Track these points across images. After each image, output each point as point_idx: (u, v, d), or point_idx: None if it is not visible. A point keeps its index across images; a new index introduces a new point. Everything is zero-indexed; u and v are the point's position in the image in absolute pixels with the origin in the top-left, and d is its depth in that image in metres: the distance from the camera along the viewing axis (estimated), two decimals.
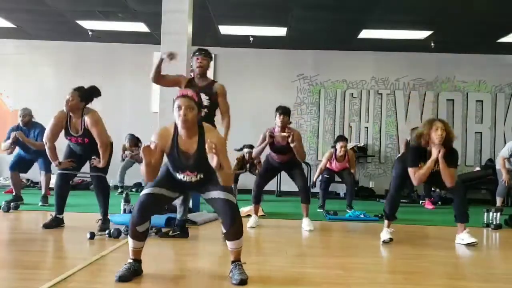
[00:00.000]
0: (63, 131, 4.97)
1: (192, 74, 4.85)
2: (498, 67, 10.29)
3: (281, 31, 9.07)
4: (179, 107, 3.10)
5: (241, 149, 8.71)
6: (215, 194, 3.18)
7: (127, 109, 10.03)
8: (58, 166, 4.98)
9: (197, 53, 4.81)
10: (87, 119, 4.84)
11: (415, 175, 4.67)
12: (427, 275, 3.60)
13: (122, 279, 3.06)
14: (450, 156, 4.68)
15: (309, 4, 7.58)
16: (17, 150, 7.05)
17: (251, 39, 9.37)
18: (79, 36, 9.75)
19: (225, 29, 9.08)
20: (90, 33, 9.43)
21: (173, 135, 3.19)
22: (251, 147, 8.29)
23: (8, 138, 6.94)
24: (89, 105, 4.99)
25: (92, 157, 4.93)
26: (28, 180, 9.36)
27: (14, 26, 9.31)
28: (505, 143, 10.09)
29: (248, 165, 8.66)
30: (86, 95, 4.94)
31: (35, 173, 7.53)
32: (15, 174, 7.05)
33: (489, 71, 10.32)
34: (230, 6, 7.79)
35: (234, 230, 3.16)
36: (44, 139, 5.00)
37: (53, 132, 4.94)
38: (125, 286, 3.02)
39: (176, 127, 3.19)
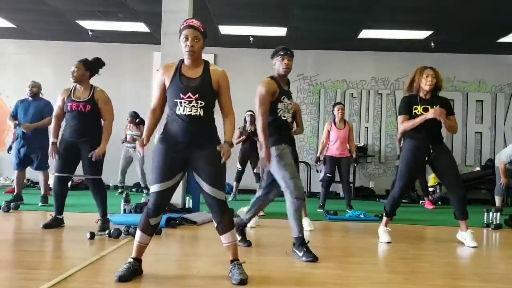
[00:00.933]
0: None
1: (278, 73, 4.27)
2: (498, 67, 10.29)
3: (281, 31, 9.07)
4: (186, 38, 3.12)
5: (244, 124, 8.74)
6: (205, 186, 3.17)
7: (127, 109, 10.02)
8: (53, 145, 4.96)
9: (282, 53, 4.28)
10: (99, 93, 4.98)
11: (403, 123, 4.71)
12: (427, 275, 3.60)
13: (122, 279, 3.06)
14: (445, 104, 4.76)
15: (309, 4, 7.58)
16: (15, 149, 7.02)
17: (251, 39, 9.38)
18: (79, 36, 9.75)
19: (225, 29, 9.08)
20: (90, 33, 9.43)
21: (177, 66, 3.22)
22: (252, 111, 8.40)
23: (15, 109, 6.97)
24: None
25: (89, 154, 4.86)
26: (28, 180, 9.36)
27: (14, 26, 9.32)
28: (505, 143, 10.12)
29: (249, 130, 8.65)
30: (91, 65, 5.03)
31: (35, 173, 7.52)
32: (21, 173, 7.03)
33: (489, 71, 10.32)
34: (230, 6, 7.79)
35: (224, 222, 3.21)
36: (53, 114, 5.09)
37: (61, 108, 5.00)
38: (125, 286, 3.02)
39: (180, 61, 3.23)
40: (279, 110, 4.10)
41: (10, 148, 7.26)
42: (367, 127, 10.54)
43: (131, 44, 10.29)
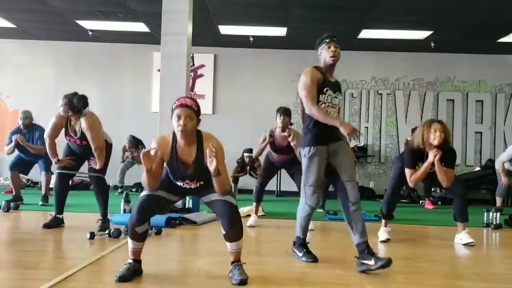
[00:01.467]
0: (63, 130, 5.00)
1: (324, 64, 3.78)
2: (498, 67, 10.29)
3: (281, 31, 9.06)
4: (179, 117, 3.07)
5: (242, 156, 8.72)
6: (215, 196, 3.18)
7: (127, 109, 10.03)
8: (57, 163, 4.99)
9: (327, 40, 3.82)
10: (83, 124, 4.88)
11: (411, 177, 4.70)
12: (427, 275, 3.60)
13: (122, 279, 3.06)
14: (449, 157, 4.69)
15: (309, 4, 7.58)
16: (18, 152, 7.06)
17: (251, 39, 9.37)
18: (79, 36, 9.74)
19: (225, 29, 9.08)
20: (90, 33, 9.42)
21: (172, 144, 3.17)
22: (250, 151, 8.32)
23: (10, 141, 6.99)
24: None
25: (90, 158, 4.95)
26: (28, 180, 9.36)
27: (14, 26, 9.31)
28: (505, 142, 10.12)
29: (248, 168, 8.67)
30: (75, 109, 4.87)
31: (35, 173, 7.53)
32: (14, 174, 7.06)
33: (489, 71, 10.32)
34: (230, 6, 7.79)
35: (234, 232, 3.16)
36: (45, 135, 5.03)
37: (54, 130, 4.97)
38: (125, 286, 3.02)
39: (174, 136, 3.17)
40: (320, 103, 3.62)
41: (10, 142, 7.22)
42: (367, 127, 10.54)
43: (131, 44, 10.29)
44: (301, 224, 3.93)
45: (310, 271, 3.62)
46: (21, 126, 6.97)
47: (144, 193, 3.22)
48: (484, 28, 8.48)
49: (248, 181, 9.10)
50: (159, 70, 6.77)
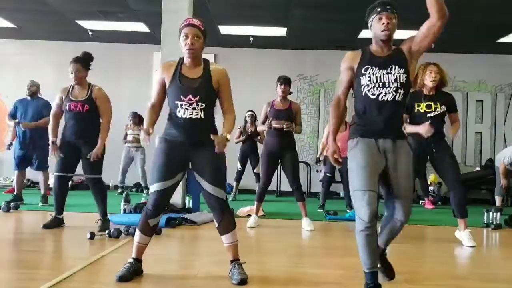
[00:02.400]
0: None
1: (375, 39, 3.21)
2: (498, 67, 10.29)
3: (281, 31, 9.06)
4: (186, 36, 3.10)
5: (244, 119, 8.77)
6: (206, 185, 3.17)
7: (126, 109, 10.02)
8: (52, 146, 4.93)
9: (379, 9, 3.18)
10: (97, 92, 4.95)
11: (405, 124, 4.71)
12: (427, 275, 3.60)
13: (122, 279, 3.06)
14: (448, 101, 4.84)
15: (309, 4, 7.58)
16: (14, 148, 7.03)
17: (251, 39, 9.37)
18: (79, 36, 9.74)
19: (225, 29, 9.08)
20: (90, 33, 9.42)
21: (177, 65, 3.20)
22: (252, 112, 8.42)
23: (14, 110, 6.97)
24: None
25: (87, 156, 4.86)
26: (28, 180, 9.35)
27: (14, 26, 9.32)
28: (505, 143, 10.11)
29: (249, 131, 8.66)
30: (86, 62, 5.03)
31: (35, 173, 7.52)
32: (21, 173, 7.03)
33: (489, 71, 10.32)
34: (230, 6, 7.79)
35: (225, 223, 3.21)
36: (52, 112, 5.07)
37: (58, 106, 5.01)
38: (125, 286, 3.02)
39: (180, 60, 3.21)
40: (362, 87, 2.93)
41: (10, 145, 7.24)
42: None
43: (131, 44, 10.29)
44: (361, 250, 2.81)
45: (310, 271, 3.62)
46: (27, 93, 6.96)
47: (154, 189, 3.17)
48: (484, 28, 8.48)
49: (248, 181, 9.10)
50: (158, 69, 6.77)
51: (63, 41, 10.27)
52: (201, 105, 3.13)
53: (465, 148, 10.37)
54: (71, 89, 5.01)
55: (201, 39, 3.13)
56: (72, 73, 4.93)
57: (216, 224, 3.24)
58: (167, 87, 3.19)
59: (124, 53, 10.42)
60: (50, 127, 5.04)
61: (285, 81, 5.56)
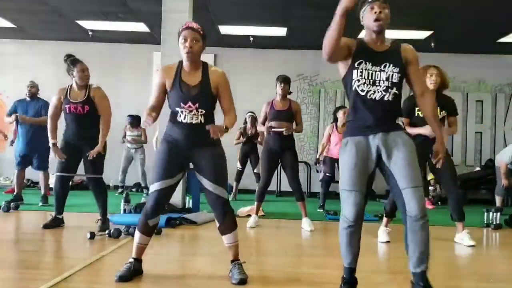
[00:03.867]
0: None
1: (368, 31, 3.00)
2: (498, 67, 10.28)
3: (281, 31, 9.06)
4: (185, 39, 3.11)
5: (244, 121, 8.74)
6: (207, 184, 3.17)
7: (126, 109, 10.02)
8: (53, 147, 4.93)
9: (370, 0, 2.94)
10: (95, 91, 4.97)
11: (406, 127, 4.72)
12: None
13: (122, 279, 3.07)
14: (449, 105, 4.82)
15: (309, 4, 7.58)
16: (15, 147, 7.03)
17: (251, 39, 9.37)
18: (79, 36, 9.75)
19: (225, 29, 9.08)
20: (90, 33, 9.42)
21: (177, 69, 3.20)
22: (253, 113, 8.42)
23: (14, 109, 6.96)
24: None
25: (87, 154, 4.87)
26: (28, 180, 9.35)
27: (14, 26, 9.32)
28: (505, 143, 10.11)
29: (250, 132, 8.66)
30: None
31: (35, 173, 7.52)
32: (21, 173, 7.03)
33: (489, 71, 10.31)
34: (230, 6, 7.79)
35: (226, 223, 3.21)
36: (48, 115, 5.05)
37: (55, 107, 4.99)
38: (125, 286, 3.02)
39: (179, 63, 3.21)
40: (353, 82, 2.85)
41: (12, 143, 7.23)
42: None
43: (131, 44, 10.29)
44: (342, 246, 2.86)
45: (310, 271, 3.63)
46: (27, 94, 6.97)
47: (154, 188, 3.18)
48: (484, 28, 8.48)
49: (248, 181, 9.11)
50: (158, 71, 6.78)
51: (63, 41, 10.27)
52: (201, 111, 3.16)
53: (465, 148, 10.37)
54: (69, 90, 5.00)
55: (199, 42, 3.14)
56: (79, 72, 4.98)
57: (217, 224, 3.24)
58: (168, 91, 3.20)
59: (124, 53, 10.41)
60: (49, 129, 5.02)
61: (285, 80, 5.57)
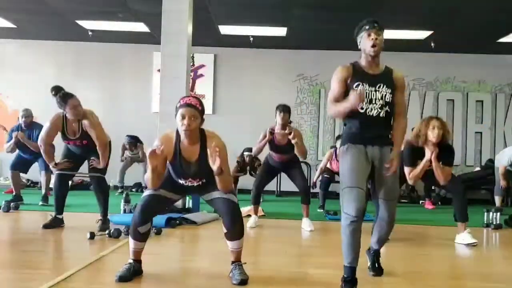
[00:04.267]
0: (59, 135, 4.98)
1: (365, 55, 3.24)
2: (498, 67, 10.27)
3: (281, 31, 9.06)
4: (183, 117, 3.07)
5: (241, 154, 8.74)
6: (216, 194, 3.19)
7: (127, 109, 10.03)
8: (55, 167, 4.97)
9: (367, 27, 3.17)
10: (85, 122, 4.85)
11: (410, 174, 4.69)
12: (427, 275, 3.60)
13: (122, 279, 3.07)
14: (447, 155, 4.72)
15: (309, 4, 7.57)
16: (18, 150, 7.07)
17: (251, 39, 9.36)
18: (79, 36, 9.74)
19: (225, 29, 9.07)
20: (90, 33, 9.42)
21: (175, 142, 3.18)
22: (250, 150, 8.35)
23: (10, 138, 6.98)
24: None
25: (91, 158, 4.94)
26: (28, 180, 9.35)
27: (14, 26, 9.31)
28: (505, 143, 10.10)
29: (248, 168, 8.70)
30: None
31: (35, 173, 7.53)
32: (15, 173, 7.06)
33: (489, 71, 10.30)
34: (230, 6, 7.78)
35: (235, 230, 3.17)
36: (39, 141, 5.01)
37: (48, 135, 4.94)
38: (125, 286, 3.02)
39: (178, 134, 3.18)
40: None
41: (13, 150, 7.21)
42: None
43: (131, 44, 10.28)
44: (344, 245, 3.07)
45: (310, 271, 3.63)
46: (22, 124, 6.97)
47: (146, 193, 3.23)
48: (484, 28, 8.48)
49: (248, 181, 9.09)
50: (159, 70, 6.78)
51: (63, 41, 10.26)
52: (203, 181, 3.25)
53: (465, 148, 10.36)
54: (65, 123, 4.89)
55: (198, 119, 3.12)
56: (71, 109, 4.77)
57: (225, 230, 3.18)
58: (168, 161, 3.21)
59: (124, 53, 10.40)
60: (45, 154, 4.99)
61: (285, 109, 5.46)
